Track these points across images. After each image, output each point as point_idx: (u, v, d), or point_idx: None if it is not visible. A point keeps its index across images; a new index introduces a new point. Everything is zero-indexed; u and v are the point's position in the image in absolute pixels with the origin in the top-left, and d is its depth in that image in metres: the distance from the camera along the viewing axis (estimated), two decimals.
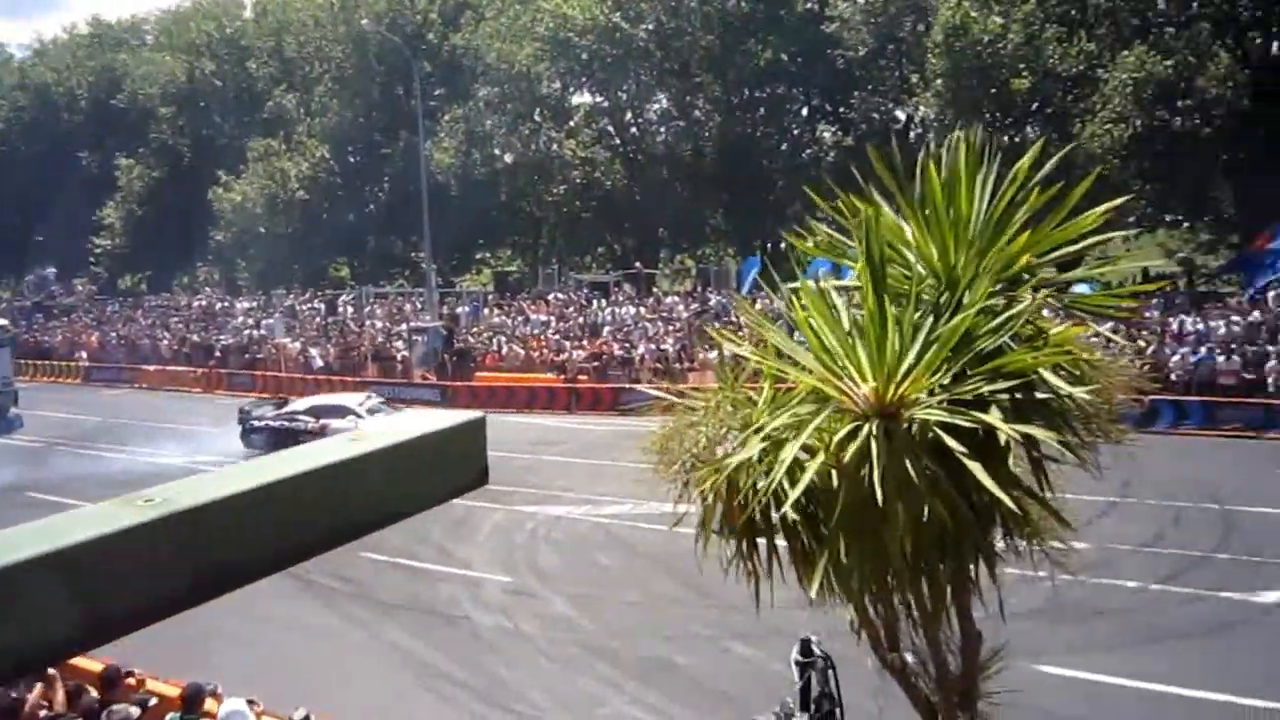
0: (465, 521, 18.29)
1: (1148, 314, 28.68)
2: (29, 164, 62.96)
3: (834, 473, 3.52)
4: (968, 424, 3.38)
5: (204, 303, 51.60)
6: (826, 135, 48.19)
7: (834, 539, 3.54)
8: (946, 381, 3.50)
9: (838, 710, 5.84)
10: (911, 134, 44.21)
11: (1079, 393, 3.49)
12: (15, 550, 1.67)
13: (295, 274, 52.52)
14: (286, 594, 14.13)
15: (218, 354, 41.97)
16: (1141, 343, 25.12)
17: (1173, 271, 42.14)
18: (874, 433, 3.37)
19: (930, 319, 3.61)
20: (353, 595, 15.18)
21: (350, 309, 45.54)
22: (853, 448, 3.53)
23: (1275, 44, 37.52)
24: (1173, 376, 24.44)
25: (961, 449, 3.35)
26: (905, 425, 3.50)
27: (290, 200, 51.42)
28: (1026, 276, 4.01)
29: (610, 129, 51.10)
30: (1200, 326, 26.57)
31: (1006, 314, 3.49)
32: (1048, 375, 3.51)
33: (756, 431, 4.00)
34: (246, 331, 43.44)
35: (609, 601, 14.69)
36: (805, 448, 3.69)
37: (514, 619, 14.15)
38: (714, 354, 28.09)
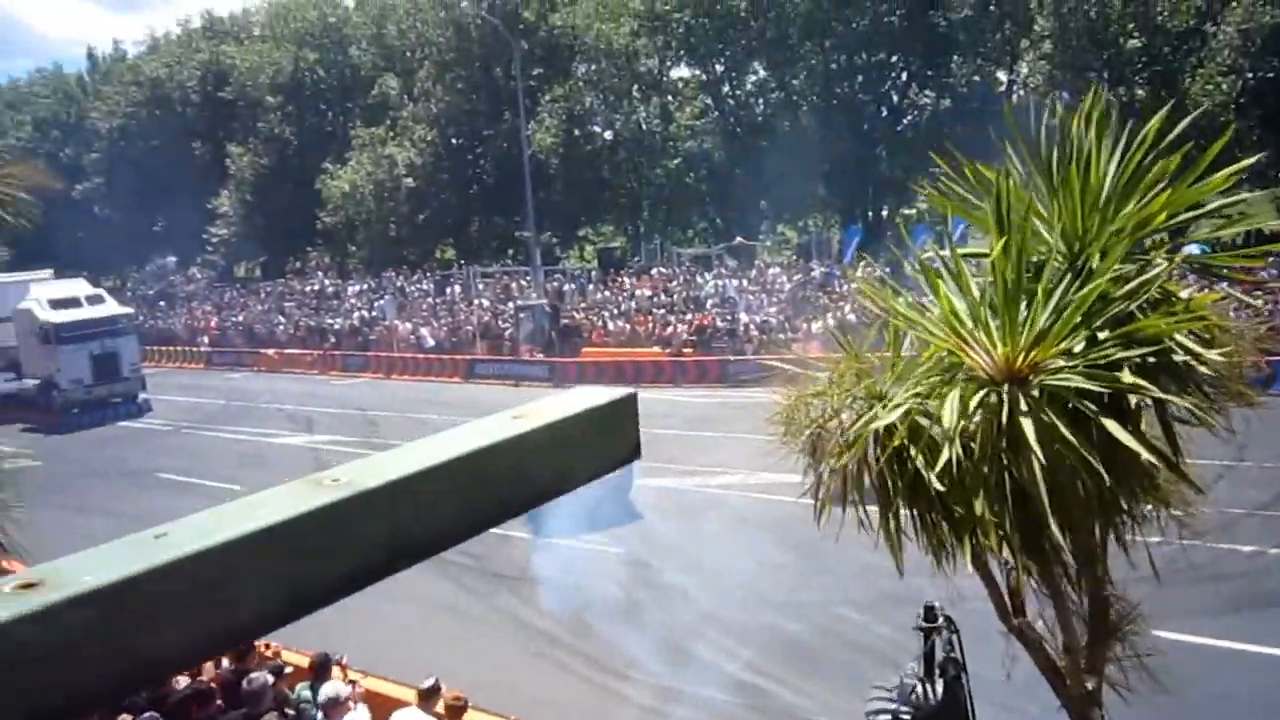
0: None
1: (1265, 273, 27.58)
2: (146, 157, 65.45)
3: (976, 441, 3.55)
4: (1100, 389, 3.39)
5: (317, 287, 52.81)
6: (926, 100, 47.14)
7: (979, 506, 3.57)
8: (1078, 348, 3.51)
9: (963, 675, 5.89)
10: (1014, 96, 43.10)
11: (1213, 355, 3.47)
12: (220, 531, 1.78)
13: (404, 256, 53.40)
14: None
15: (332, 337, 43.12)
16: (1260, 303, 24.04)
17: None
18: (1010, 398, 3.41)
19: (1062, 284, 3.61)
20: (468, 568, 15.57)
21: (458, 289, 46.22)
22: (977, 411, 3.57)
23: None
24: None
25: (1093, 408, 3.36)
26: (1036, 391, 3.53)
27: (397, 185, 52.44)
28: (1155, 240, 3.99)
29: (709, 101, 50.88)
30: None
31: (1140, 279, 3.49)
32: (1180, 338, 3.50)
33: (881, 400, 4.06)
34: (358, 314, 44.46)
35: (722, 571, 14.80)
36: (929, 414, 3.74)
37: (627, 589, 14.37)
38: (817, 325, 27.92)
